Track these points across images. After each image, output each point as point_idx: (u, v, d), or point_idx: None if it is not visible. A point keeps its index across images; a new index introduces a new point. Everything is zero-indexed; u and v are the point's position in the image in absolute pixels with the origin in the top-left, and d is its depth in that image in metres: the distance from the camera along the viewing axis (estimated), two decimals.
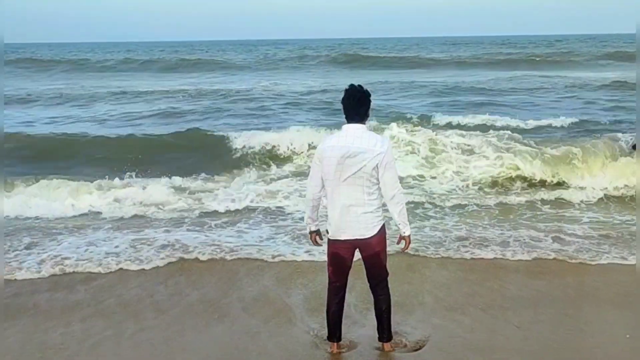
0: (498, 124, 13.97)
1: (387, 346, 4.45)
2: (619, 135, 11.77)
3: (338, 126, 4.74)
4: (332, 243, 4.22)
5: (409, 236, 4.19)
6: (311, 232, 4.41)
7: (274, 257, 6.58)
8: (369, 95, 4.08)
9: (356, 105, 4.00)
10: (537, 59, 39.68)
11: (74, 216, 8.35)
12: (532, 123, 14.29)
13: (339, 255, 4.22)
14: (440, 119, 14.67)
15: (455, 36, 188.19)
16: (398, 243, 4.27)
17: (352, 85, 4.09)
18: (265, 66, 39.91)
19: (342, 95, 4.08)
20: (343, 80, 28.33)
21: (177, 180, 9.95)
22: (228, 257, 6.58)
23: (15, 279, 6.04)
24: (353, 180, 3.97)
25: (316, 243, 4.44)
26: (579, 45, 63.19)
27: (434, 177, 10.32)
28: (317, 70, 36.93)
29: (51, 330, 4.96)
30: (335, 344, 4.46)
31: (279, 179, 10.45)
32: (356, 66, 38.37)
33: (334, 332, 4.43)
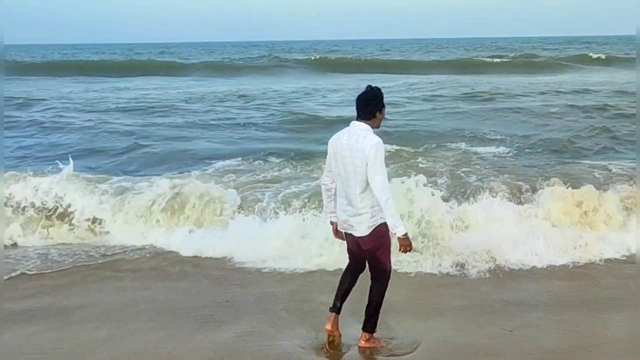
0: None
1: (364, 336, 4.46)
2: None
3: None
4: (344, 234, 4.37)
5: (402, 237, 4.09)
6: (332, 223, 4.50)
7: None
8: (378, 97, 4.15)
9: (362, 105, 4.16)
10: (497, 60, 39.11)
11: None
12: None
13: (350, 249, 4.42)
14: None
15: (439, 39, 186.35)
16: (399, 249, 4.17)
17: (368, 86, 4.22)
18: (207, 69, 36.32)
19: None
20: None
21: None
22: None
23: None
24: (348, 176, 4.10)
25: (338, 236, 4.47)
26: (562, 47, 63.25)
27: None
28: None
29: None
30: (332, 316, 4.39)
31: None
32: (326, 70, 35.64)
33: (337, 301, 4.41)
